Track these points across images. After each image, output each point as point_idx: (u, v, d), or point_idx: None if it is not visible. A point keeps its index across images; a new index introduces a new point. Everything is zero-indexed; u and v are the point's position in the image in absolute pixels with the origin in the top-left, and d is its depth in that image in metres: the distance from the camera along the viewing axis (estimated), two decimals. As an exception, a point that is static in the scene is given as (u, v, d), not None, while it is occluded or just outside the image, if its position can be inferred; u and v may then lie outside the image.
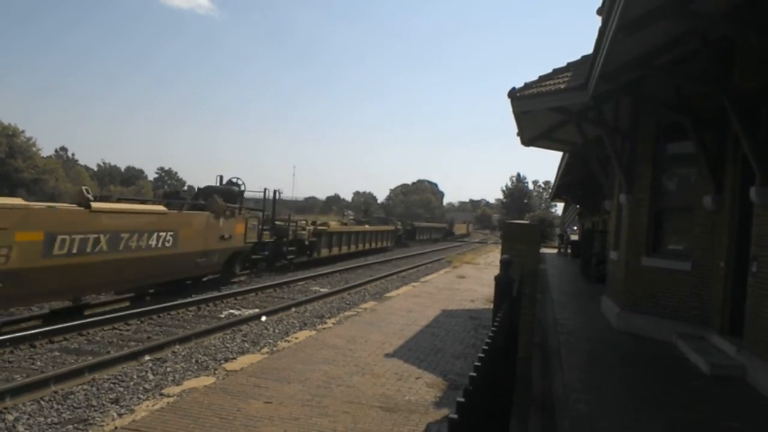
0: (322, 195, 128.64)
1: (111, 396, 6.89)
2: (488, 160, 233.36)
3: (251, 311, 12.69)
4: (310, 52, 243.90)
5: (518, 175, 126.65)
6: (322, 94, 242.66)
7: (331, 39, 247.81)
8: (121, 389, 7.15)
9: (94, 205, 10.50)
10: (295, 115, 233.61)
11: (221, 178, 18.14)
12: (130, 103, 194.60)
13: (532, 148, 14.08)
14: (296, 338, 8.79)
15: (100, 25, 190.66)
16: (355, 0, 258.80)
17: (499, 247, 8.15)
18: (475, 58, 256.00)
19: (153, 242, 11.98)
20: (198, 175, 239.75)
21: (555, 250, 38.53)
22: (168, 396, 5.94)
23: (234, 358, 8.27)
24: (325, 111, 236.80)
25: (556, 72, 9.96)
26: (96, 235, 10.41)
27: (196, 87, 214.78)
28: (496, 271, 4.93)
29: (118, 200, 13.43)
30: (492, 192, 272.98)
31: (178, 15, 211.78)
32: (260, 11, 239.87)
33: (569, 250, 32.30)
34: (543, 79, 9.79)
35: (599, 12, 8.02)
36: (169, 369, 8.09)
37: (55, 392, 6.87)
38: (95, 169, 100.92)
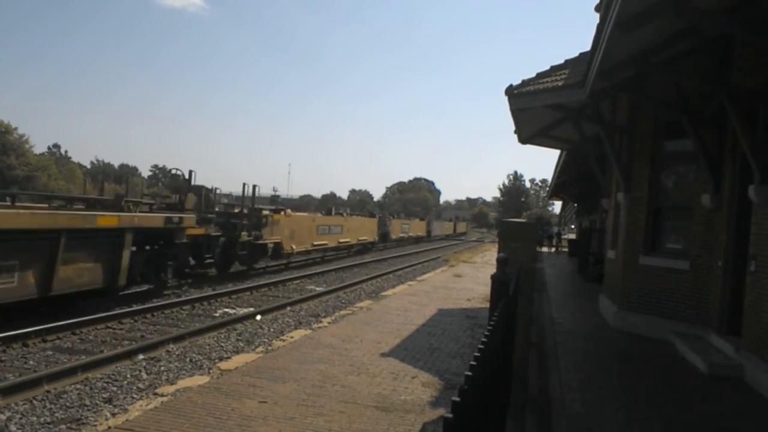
0: (317, 193, 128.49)
1: (104, 395, 6.83)
2: (485, 158, 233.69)
3: (246, 310, 12.63)
4: (309, 54, 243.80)
5: (515, 173, 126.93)
6: (320, 96, 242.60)
7: (331, 43, 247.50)
8: (115, 388, 7.09)
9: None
10: (293, 116, 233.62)
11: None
12: (127, 103, 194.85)
13: (529, 146, 14.05)
14: (291, 337, 8.73)
15: (98, 26, 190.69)
16: (354, 5, 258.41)
17: (496, 245, 8.11)
18: (473, 57, 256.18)
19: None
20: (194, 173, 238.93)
21: (553, 249, 38.67)
22: (162, 395, 5.88)
23: (228, 357, 8.21)
24: (323, 111, 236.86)
25: (554, 69, 9.91)
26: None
27: (192, 86, 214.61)
28: (493, 269, 4.88)
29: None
30: (489, 190, 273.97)
31: (171, 14, 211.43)
32: (254, 11, 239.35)
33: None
34: (540, 76, 9.75)
35: (597, 9, 7.97)
36: (163, 368, 8.03)
37: (48, 391, 6.81)
38: (88, 166, 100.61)
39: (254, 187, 18.93)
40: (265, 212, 19.96)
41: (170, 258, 14.08)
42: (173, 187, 17.74)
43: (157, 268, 13.73)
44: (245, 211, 18.63)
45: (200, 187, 17.38)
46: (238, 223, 17.94)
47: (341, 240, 28.18)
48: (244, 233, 17.81)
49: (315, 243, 24.45)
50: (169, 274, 14.18)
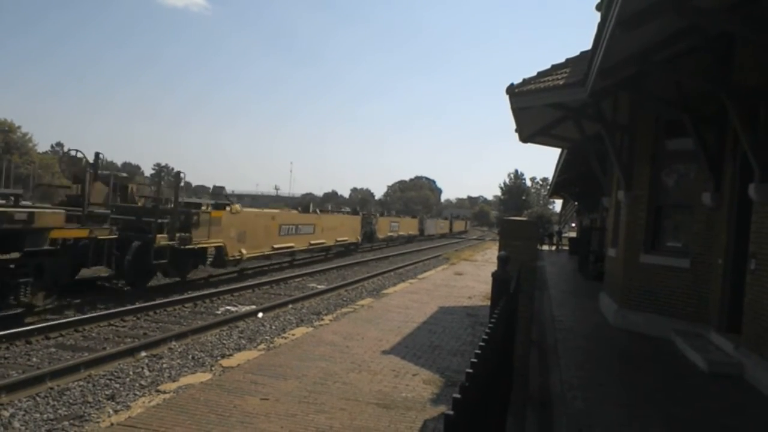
0: (319, 191, 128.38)
1: (107, 392, 6.86)
2: (486, 156, 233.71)
3: (248, 308, 12.67)
4: (311, 54, 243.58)
5: (516, 171, 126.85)
6: (322, 95, 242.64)
7: (332, 42, 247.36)
8: (117, 385, 7.12)
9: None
10: (295, 115, 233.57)
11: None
12: (130, 102, 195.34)
13: (530, 145, 14.06)
14: (293, 335, 8.76)
15: (100, 26, 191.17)
16: (355, 5, 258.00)
17: (497, 243, 8.14)
18: (473, 57, 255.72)
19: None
20: (196, 172, 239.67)
21: (554, 247, 38.73)
22: (164, 392, 5.92)
23: (230, 355, 8.25)
24: (325, 110, 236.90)
25: (555, 68, 9.91)
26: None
27: (195, 85, 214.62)
28: (494, 267, 4.90)
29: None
30: (490, 189, 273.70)
31: (173, 13, 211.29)
32: (256, 10, 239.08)
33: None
34: (541, 75, 9.75)
35: (598, 7, 7.97)
36: (165, 365, 8.07)
37: (51, 388, 6.85)
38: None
39: (178, 173, 14.49)
40: (202, 207, 15.60)
41: (27, 272, 9.91)
42: (72, 174, 13.55)
43: (5, 289, 9.62)
44: (170, 206, 14.05)
45: (111, 175, 13.68)
46: (152, 222, 13.19)
47: (313, 242, 23.46)
48: (160, 235, 13.24)
49: (276, 246, 19.74)
50: (25, 296, 9.88)
